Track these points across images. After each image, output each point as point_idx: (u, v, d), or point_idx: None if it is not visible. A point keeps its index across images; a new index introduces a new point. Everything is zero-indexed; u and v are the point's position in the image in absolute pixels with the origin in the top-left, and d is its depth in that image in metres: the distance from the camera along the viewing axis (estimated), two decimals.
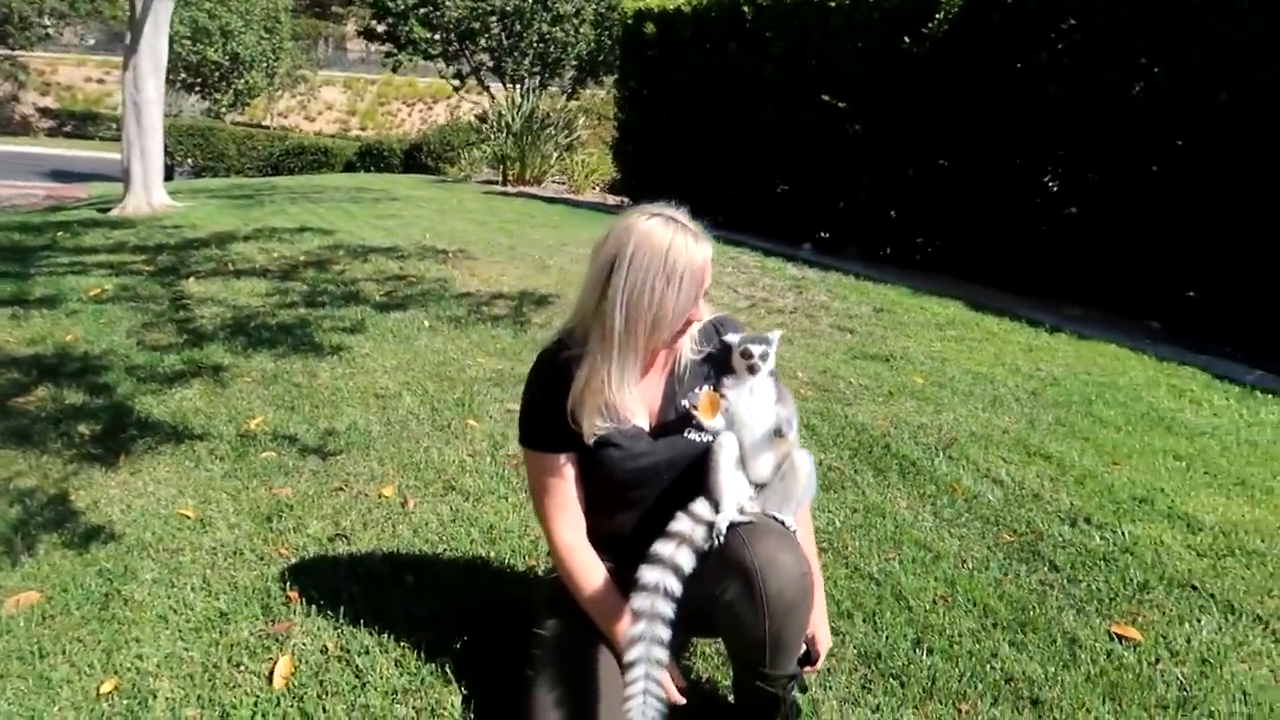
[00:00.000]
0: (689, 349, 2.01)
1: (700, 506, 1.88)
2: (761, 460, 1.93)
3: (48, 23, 28.53)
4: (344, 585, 2.49)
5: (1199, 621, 2.51)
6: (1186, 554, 2.87)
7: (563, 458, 1.96)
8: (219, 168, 19.97)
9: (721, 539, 1.82)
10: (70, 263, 6.47)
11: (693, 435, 1.97)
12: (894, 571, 2.69)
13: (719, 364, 2.01)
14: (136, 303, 5.29)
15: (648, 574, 1.80)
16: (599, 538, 2.01)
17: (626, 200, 12.23)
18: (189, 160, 20.03)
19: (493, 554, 2.72)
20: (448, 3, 21.89)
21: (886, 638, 2.37)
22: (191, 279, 5.90)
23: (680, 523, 1.86)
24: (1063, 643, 2.39)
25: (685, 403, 1.97)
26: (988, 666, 2.27)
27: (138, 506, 2.91)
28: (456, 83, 23.06)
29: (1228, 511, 3.16)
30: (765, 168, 9.53)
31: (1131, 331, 5.86)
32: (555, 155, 14.77)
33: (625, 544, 1.98)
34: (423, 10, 22.33)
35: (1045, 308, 6.36)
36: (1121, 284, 6.53)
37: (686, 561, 1.82)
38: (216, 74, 21.49)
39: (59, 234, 7.72)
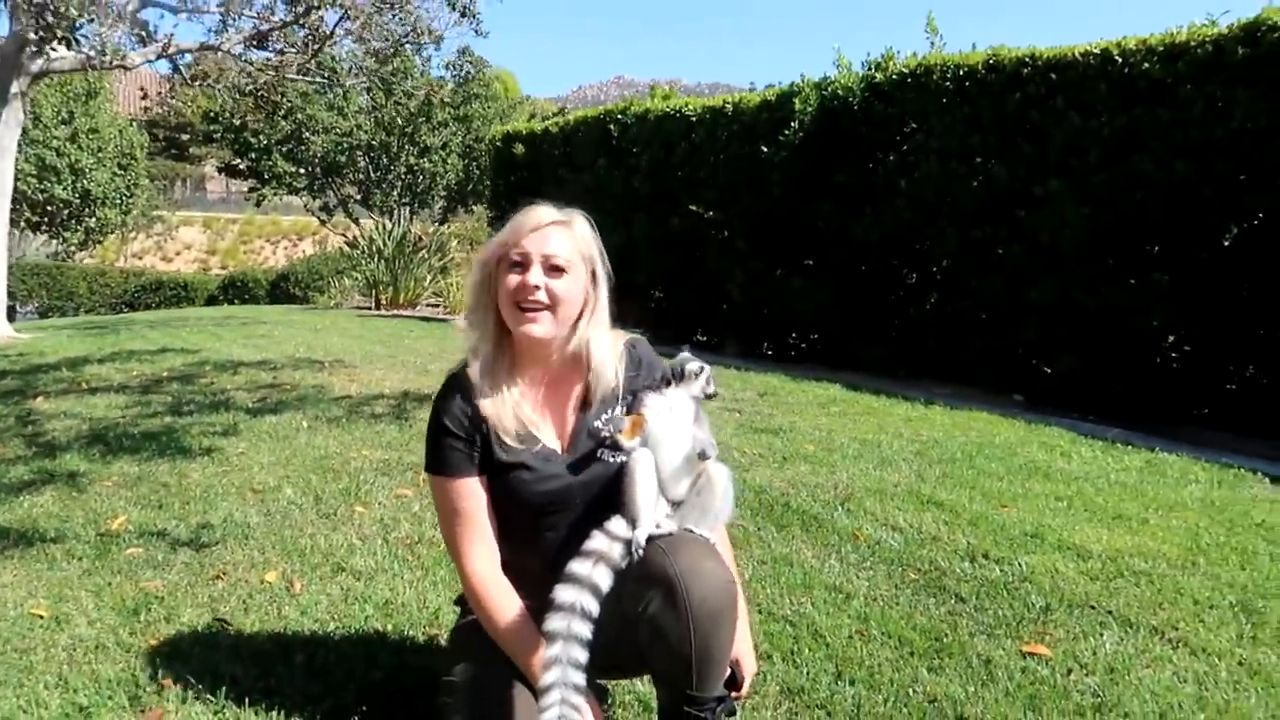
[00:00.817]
0: (602, 374, 1.97)
1: (617, 524, 1.82)
2: (678, 477, 1.89)
3: None
4: (225, 668, 2.26)
5: (1101, 636, 2.55)
6: (1081, 579, 2.94)
7: (472, 480, 1.87)
8: (68, 307, 19.00)
9: (640, 551, 1.76)
10: None
11: (607, 457, 1.92)
12: (808, 613, 2.65)
13: (636, 385, 1.98)
14: None
15: (563, 593, 1.71)
16: (512, 573, 1.91)
17: None
18: (33, 301, 18.99)
19: (390, 628, 2.54)
20: (312, 138, 21.96)
21: (807, 673, 2.31)
22: (40, 398, 5.50)
23: (596, 540, 1.79)
24: (978, 664, 2.38)
25: (599, 424, 1.92)
26: (910, 691, 2.24)
27: None
28: (324, 215, 22.94)
29: (1111, 540, 3.28)
30: (640, 276, 9.76)
31: (997, 404, 6.15)
32: (429, 278, 14.74)
33: (539, 579, 1.89)
34: (286, 146, 22.34)
35: (917, 387, 6.63)
36: (983, 363, 6.89)
37: (604, 580, 1.75)
38: (65, 212, 20.71)
39: None
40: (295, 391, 5.63)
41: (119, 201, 21.43)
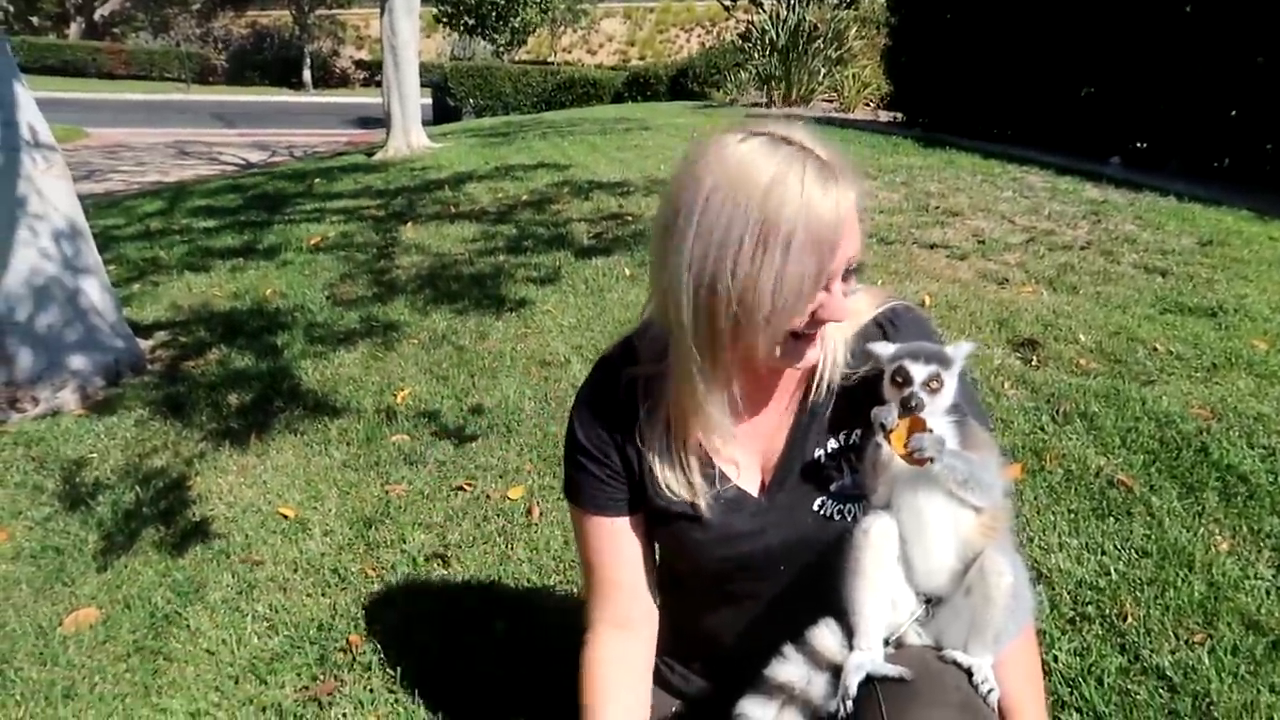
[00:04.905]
0: (834, 364, 1.20)
1: (823, 636, 1.13)
2: (937, 559, 1.13)
3: None
4: (418, 630, 1.97)
5: None
6: None
7: (616, 522, 1.26)
8: (497, 106, 20.54)
9: (849, 704, 1.06)
10: (312, 209, 6.55)
11: (829, 510, 1.19)
12: (1201, 668, 1.75)
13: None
14: (347, 251, 5.15)
15: None
16: (686, 637, 1.32)
17: (899, 115, 10.93)
18: (470, 100, 20.77)
19: None
20: None
21: None
22: (410, 224, 5.71)
23: (787, 667, 1.12)
24: None
25: (822, 453, 1.19)
26: None
27: (245, 499, 2.59)
28: (729, 1, 22.14)
29: None
30: (1065, 64, 7.94)
31: None
32: (824, 71, 13.56)
33: (725, 655, 1.29)
34: None
35: None
36: None
37: None
38: (494, 14, 22.16)
39: (316, 180, 7.94)
40: (634, 225, 5.25)
41: (539, 1, 22.32)
